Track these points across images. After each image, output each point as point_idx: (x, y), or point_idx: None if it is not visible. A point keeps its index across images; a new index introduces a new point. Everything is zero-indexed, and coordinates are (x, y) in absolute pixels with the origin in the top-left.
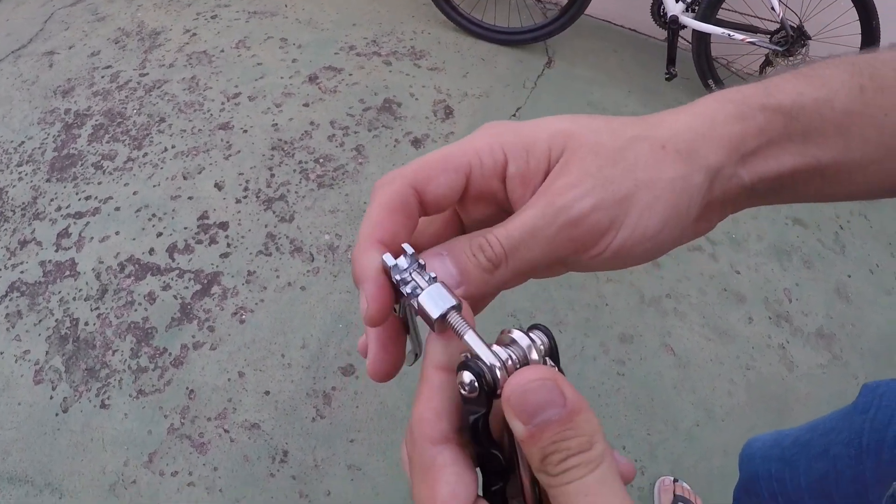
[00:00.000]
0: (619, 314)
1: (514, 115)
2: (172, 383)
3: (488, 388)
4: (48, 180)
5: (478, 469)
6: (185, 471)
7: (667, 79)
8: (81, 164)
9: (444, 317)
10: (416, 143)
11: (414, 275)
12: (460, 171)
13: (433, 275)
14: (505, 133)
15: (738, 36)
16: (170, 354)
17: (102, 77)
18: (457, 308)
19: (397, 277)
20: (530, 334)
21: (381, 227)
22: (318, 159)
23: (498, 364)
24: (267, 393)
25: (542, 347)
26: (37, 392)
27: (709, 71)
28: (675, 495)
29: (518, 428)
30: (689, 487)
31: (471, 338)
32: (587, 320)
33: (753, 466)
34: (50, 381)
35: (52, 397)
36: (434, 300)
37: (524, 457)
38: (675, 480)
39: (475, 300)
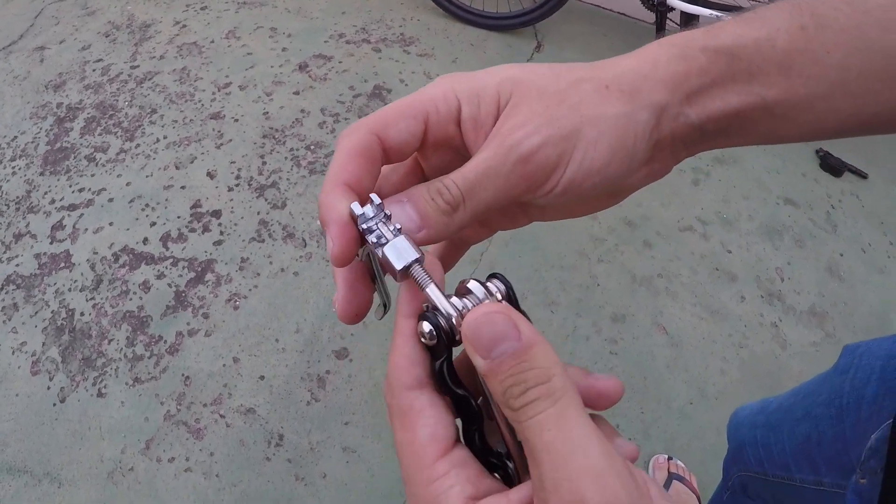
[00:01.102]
0: (610, 294)
1: None
2: (168, 370)
3: (446, 337)
4: (41, 174)
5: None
6: (182, 457)
7: None
8: (74, 157)
9: (406, 269)
10: None
11: (380, 225)
12: (418, 118)
13: (398, 226)
14: (458, 81)
15: (727, 17)
16: (165, 342)
17: (94, 70)
18: (419, 261)
19: (363, 226)
20: (487, 283)
21: (346, 171)
22: (310, 146)
23: (454, 314)
24: (262, 378)
25: (497, 295)
26: (34, 383)
27: None
28: (669, 473)
29: (479, 363)
30: (683, 465)
31: (431, 290)
32: (579, 301)
33: (740, 435)
34: (47, 371)
35: (49, 388)
36: (398, 252)
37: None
38: (670, 458)
39: (443, 252)
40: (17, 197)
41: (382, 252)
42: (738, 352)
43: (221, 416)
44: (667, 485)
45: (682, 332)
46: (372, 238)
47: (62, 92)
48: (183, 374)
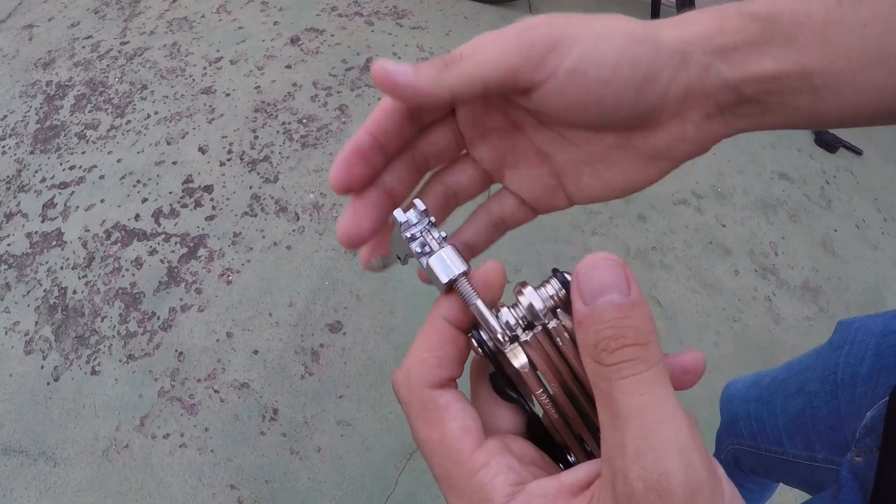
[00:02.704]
0: None
1: None
2: (161, 347)
3: (490, 353)
4: (32, 152)
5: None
6: (177, 432)
7: None
8: (65, 135)
9: (452, 282)
10: None
11: (424, 233)
12: None
13: (443, 234)
14: None
15: None
16: (158, 318)
17: (83, 47)
18: (465, 274)
19: (406, 234)
20: (541, 289)
21: (374, 122)
22: (302, 120)
23: (499, 331)
24: (255, 352)
25: (551, 300)
26: (28, 362)
27: None
28: None
29: (579, 309)
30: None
31: (477, 306)
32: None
33: (733, 408)
34: (40, 350)
35: (42, 367)
36: (444, 265)
37: (561, 405)
38: None
39: (479, 231)
40: (8, 176)
41: (427, 263)
42: (731, 325)
43: (215, 392)
44: None
45: (675, 306)
46: (415, 246)
47: (52, 70)
48: (176, 350)
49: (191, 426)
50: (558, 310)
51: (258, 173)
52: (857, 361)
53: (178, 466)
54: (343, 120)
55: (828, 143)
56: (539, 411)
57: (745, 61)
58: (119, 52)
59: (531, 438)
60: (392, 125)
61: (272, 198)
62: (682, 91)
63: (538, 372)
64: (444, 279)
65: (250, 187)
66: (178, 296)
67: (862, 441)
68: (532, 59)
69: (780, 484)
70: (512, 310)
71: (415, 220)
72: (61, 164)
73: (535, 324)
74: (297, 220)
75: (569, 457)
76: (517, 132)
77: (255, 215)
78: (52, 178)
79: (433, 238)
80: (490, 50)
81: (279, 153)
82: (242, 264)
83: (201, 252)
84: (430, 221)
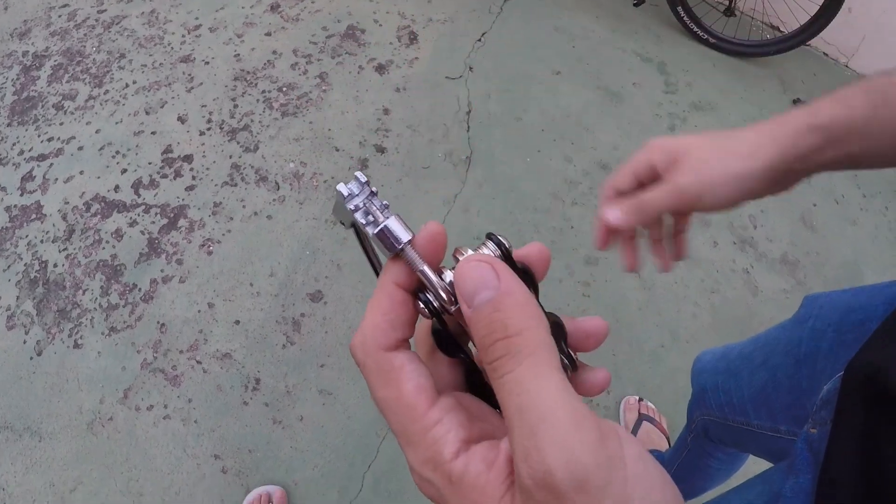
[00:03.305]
0: (584, 237)
1: (480, 41)
2: (143, 319)
3: (437, 311)
4: (9, 125)
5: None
6: (161, 404)
7: (635, 5)
8: (42, 106)
9: (400, 251)
10: (381, 69)
11: (367, 203)
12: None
13: (386, 203)
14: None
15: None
16: (140, 290)
17: (59, 16)
18: (410, 242)
19: (350, 205)
20: (480, 248)
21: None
22: (282, 88)
23: (444, 295)
24: (237, 322)
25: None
26: (10, 338)
27: None
28: (639, 414)
29: (465, 312)
30: (653, 406)
31: (422, 271)
32: (553, 243)
33: (702, 380)
34: (22, 325)
35: (25, 342)
36: (391, 234)
37: None
38: (640, 399)
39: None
40: None
41: (374, 233)
42: (709, 297)
43: (198, 363)
44: (636, 426)
45: (654, 276)
46: (359, 217)
47: (27, 40)
48: (158, 322)
49: (174, 397)
50: None
51: (238, 142)
52: (819, 336)
53: (162, 438)
54: (323, 88)
55: None
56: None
57: (812, 159)
58: (96, 20)
59: (471, 389)
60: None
61: (252, 167)
62: (769, 187)
63: None
64: (392, 247)
65: (230, 157)
66: (159, 267)
67: (818, 413)
68: (684, 204)
69: (751, 455)
70: (454, 270)
71: (357, 192)
72: (39, 136)
73: None
74: (278, 189)
75: None
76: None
77: (236, 185)
78: (30, 151)
79: (376, 208)
80: (662, 200)
81: (259, 122)
82: (223, 234)
83: (182, 223)
84: (371, 192)
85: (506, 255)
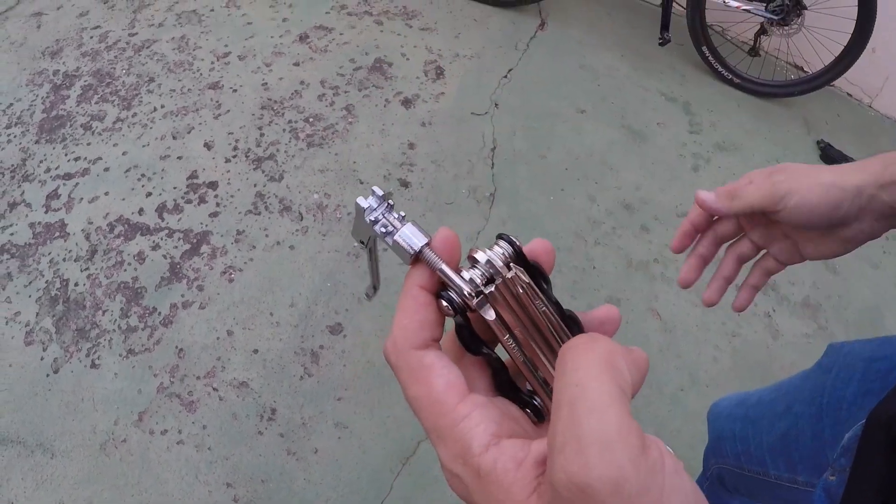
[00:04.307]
0: (606, 277)
1: (506, 77)
2: (162, 342)
3: (460, 308)
4: (37, 142)
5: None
6: (175, 429)
7: (660, 44)
8: (70, 125)
9: (418, 254)
10: (407, 102)
11: (385, 214)
12: None
13: (402, 214)
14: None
15: (734, 3)
16: (159, 314)
17: (91, 37)
18: (428, 244)
19: (369, 218)
20: (491, 249)
21: (693, 217)
22: (308, 119)
23: (466, 290)
24: (255, 351)
25: (503, 258)
26: (28, 353)
27: (703, 37)
28: None
29: None
30: (670, 450)
31: (442, 270)
32: (574, 283)
33: (718, 426)
34: (41, 342)
35: (42, 358)
36: (408, 239)
37: (525, 349)
38: None
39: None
40: (12, 165)
41: (393, 240)
42: (730, 340)
43: (214, 390)
44: None
45: (675, 318)
46: (379, 228)
47: (59, 59)
48: (177, 347)
49: (189, 423)
50: (511, 263)
51: (263, 171)
52: (844, 385)
53: (175, 463)
54: (350, 120)
55: (833, 159)
56: (504, 357)
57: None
58: (127, 43)
59: (498, 389)
60: (702, 221)
61: (276, 196)
62: (856, 211)
63: (503, 321)
64: (411, 251)
65: (255, 185)
66: (179, 292)
67: (838, 461)
68: (775, 200)
69: None
70: (471, 270)
71: (375, 205)
72: (66, 155)
73: (495, 278)
74: (301, 219)
75: (535, 400)
76: (772, 226)
77: (259, 213)
78: (56, 169)
79: (394, 218)
80: (755, 191)
81: (285, 152)
82: (245, 262)
83: (204, 249)
84: (388, 205)
85: (517, 254)
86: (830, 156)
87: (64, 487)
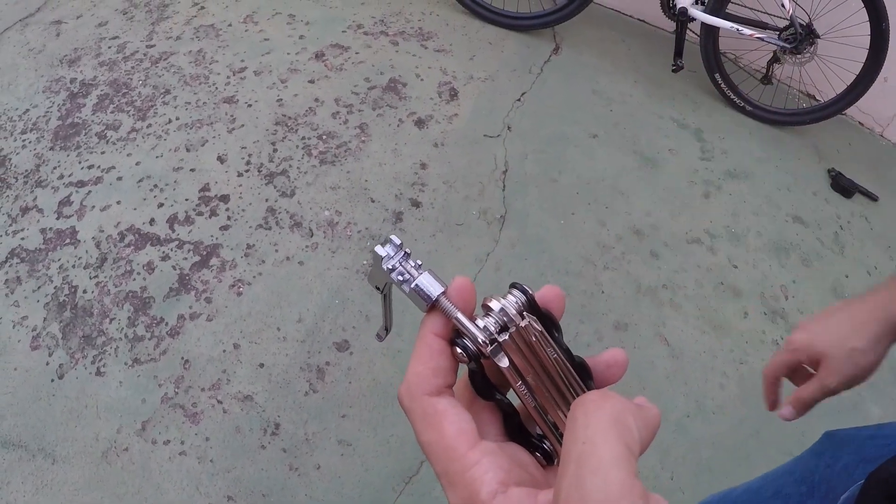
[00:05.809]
0: (614, 302)
1: (519, 100)
2: (168, 353)
3: (474, 355)
4: (51, 148)
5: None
6: (178, 440)
7: (673, 70)
8: (85, 134)
9: (434, 302)
10: (420, 123)
11: (402, 263)
12: None
13: (419, 262)
14: None
15: (747, 31)
16: (166, 324)
17: (109, 47)
18: (444, 293)
19: (387, 266)
20: (505, 298)
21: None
22: (322, 136)
23: (480, 338)
24: (261, 365)
25: (516, 306)
26: (33, 358)
27: (716, 65)
28: None
29: None
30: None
31: (457, 319)
32: (583, 307)
33: None
34: (47, 347)
35: (48, 363)
36: (426, 288)
37: (537, 395)
38: None
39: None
40: (26, 170)
41: (410, 288)
42: (738, 367)
43: (219, 402)
44: None
45: (683, 345)
46: (396, 276)
47: (76, 67)
48: (182, 358)
49: (192, 434)
50: (524, 312)
51: (275, 186)
52: (835, 461)
53: (176, 473)
54: (363, 139)
55: (844, 188)
56: (516, 402)
57: None
58: (144, 54)
59: (509, 434)
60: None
61: (287, 212)
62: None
63: (516, 368)
64: (428, 300)
65: (266, 200)
66: (187, 303)
67: None
68: (826, 393)
69: None
70: (485, 318)
71: (392, 253)
72: (80, 163)
73: (509, 326)
74: (311, 236)
75: (544, 444)
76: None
77: (270, 228)
78: (69, 176)
79: (411, 266)
80: (812, 394)
81: (297, 168)
82: (254, 276)
83: (213, 261)
84: (405, 253)
85: (530, 302)
86: (841, 184)
87: (64, 493)
